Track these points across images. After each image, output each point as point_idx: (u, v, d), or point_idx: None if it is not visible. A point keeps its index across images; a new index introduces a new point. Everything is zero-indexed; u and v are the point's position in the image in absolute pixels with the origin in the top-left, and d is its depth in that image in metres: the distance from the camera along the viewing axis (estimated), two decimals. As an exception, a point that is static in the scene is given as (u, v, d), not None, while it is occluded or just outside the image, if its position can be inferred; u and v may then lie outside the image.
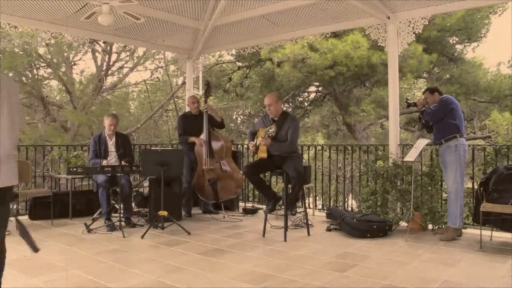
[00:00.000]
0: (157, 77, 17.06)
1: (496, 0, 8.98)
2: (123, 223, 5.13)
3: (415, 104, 5.12)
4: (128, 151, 5.73)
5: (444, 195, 5.29)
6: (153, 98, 17.08)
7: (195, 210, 6.41)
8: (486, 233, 4.58)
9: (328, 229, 5.21)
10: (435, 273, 3.53)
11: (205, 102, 6.10)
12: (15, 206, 6.92)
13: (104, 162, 5.37)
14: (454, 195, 4.71)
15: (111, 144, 5.62)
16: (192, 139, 6.04)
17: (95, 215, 5.62)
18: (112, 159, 5.53)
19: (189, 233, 4.96)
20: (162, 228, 5.12)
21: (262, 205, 6.63)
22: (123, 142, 5.68)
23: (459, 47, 13.56)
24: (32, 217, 5.82)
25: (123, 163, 5.25)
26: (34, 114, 14.66)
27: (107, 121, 5.62)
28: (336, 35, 11.25)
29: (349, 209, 7.04)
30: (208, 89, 6.19)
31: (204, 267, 3.75)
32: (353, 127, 13.60)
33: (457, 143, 4.71)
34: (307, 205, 5.61)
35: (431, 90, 5.07)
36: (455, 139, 4.72)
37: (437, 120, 4.83)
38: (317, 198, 8.19)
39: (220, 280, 3.40)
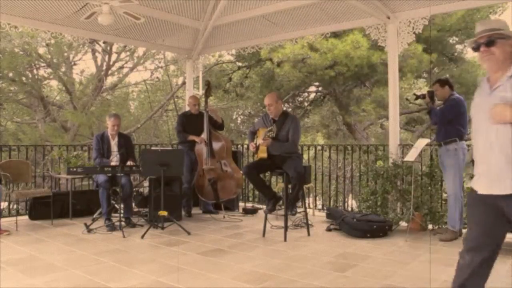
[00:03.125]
0: (157, 77, 17.07)
1: (496, 0, 8.97)
2: (123, 223, 5.13)
3: (424, 96, 4.91)
4: (130, 152, 5.73)
5: (444, 195, 5.28)
6: (153, 98, 17.08)
7: (195, 210, 6.41)
8: (486, 233, 4.57)
9: (328, 229, 5.21)
10: (435, 273, 3.53)
11: (206, 102, 6.09)
12: (15, 206, 6.93)
13: (113, 162, 5.39)
14: (453, 199, 4.69)
15: (113, 144, 5.62)
16: (192, 137, 6.04)
17: (95, 215, 5.62)
18: (114, 158, 5.53)
19: (189, 233, 4.96)
20: (162, 228, 5.12)
21: (262, 205, 6.62)
22: (126, 143, 5.68)
23: (459, 47, 13.56)
24: (32, 217, 5.81)
25: (129, 163, 5.28)
26: (34, 114, 14.66)
27: (110, 121, 5.60)
28: (336, 35, 11.24)
29: (349, 209, 7.05)
30: (208, 89, 6.18)
31: (204, 267, 3.75)
32: (353, 127, 13.60)
33: (457, 147, 4.65)
34: (307, 205, 5.61)
35: (441, 83, 4.83)
36: (455, 143, 4.66)
37: (444, 122, 4.72)
38: (317, 198, 8.19)
39: (220, 280, 3.40)
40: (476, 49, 2.21)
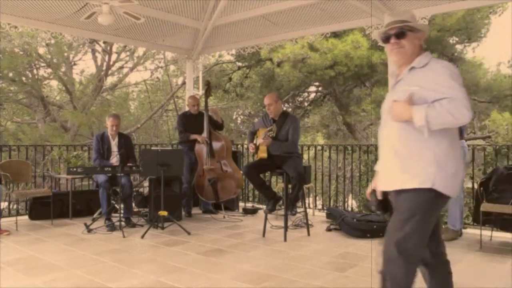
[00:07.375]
0: (157, 77, 17.08)
1: (496, 0, 8.98)
2: (123, 223, 5.13)
3: None
4: (130, 152, 5.73)
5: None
6: (153, 98, 17.10)
7: (195, 210, 6.41)
8: (486, 233, 4.58)
9: (328, 229, 5.21)
10: (435, 273, 3.52)
11: (206, 102, 6.10)
12: (15, 206, 6.92)
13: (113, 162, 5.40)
14: (453, 198, 4.68)
15: (113, 144, 5.62)
16: (194, 136, 6.04)
17: (95, 215, 5.63)
18: (114, 158, 5.53)
19: (189, 233, 4.96)
20: (162, 228, 5.12)
21: (262, 205, 6.62)
22: (126, 143, 5.68)
23: (459, 47, 13.56)
24: (32, 217, 5.81)
25: (129, 164, 5.28)
26: (34, 114, 14.68)
27: (109, 121, 5.60)
28: (336, 35, 11.25)
29: (349, 209, 7.05)
30: (208, 89, 6.18)
31: (204, 267, 3.75)
32: (353, 127, 13.61)
33: None
34: (307, 205, 5.61)
35: None
36: None
37: None
38: (317, 198, 8.19)
39: (220, 280, 3.40)
40: (385, 40, 2.17)
